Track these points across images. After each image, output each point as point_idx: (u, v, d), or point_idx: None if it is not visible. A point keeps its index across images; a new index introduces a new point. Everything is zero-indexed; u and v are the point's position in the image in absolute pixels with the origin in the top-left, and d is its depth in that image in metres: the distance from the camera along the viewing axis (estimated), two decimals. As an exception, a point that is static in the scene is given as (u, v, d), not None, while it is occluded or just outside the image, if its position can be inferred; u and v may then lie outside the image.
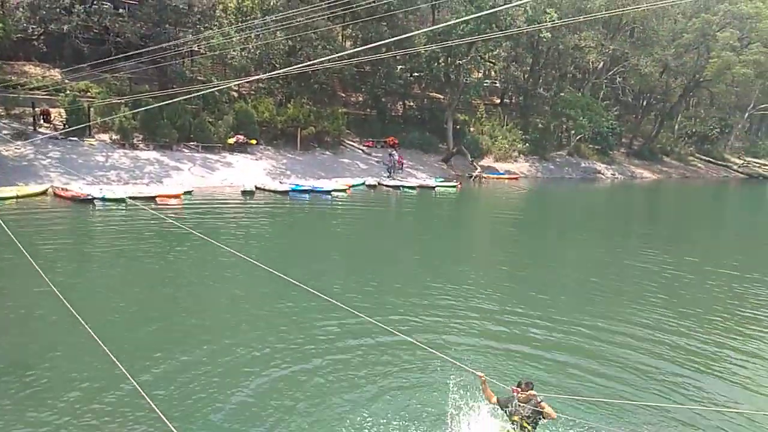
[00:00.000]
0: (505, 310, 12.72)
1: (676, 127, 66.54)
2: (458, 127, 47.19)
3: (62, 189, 23.73)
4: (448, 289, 13.99)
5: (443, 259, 17.68)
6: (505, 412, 7.07)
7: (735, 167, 66.50)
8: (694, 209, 37.89)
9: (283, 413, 8.06)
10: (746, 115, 68.31)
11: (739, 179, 62.74)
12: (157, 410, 5.27)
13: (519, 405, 6.88)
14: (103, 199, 23.02)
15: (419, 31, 39.01)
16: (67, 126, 29.37)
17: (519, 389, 6.89)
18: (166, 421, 5.06)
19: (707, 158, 65.45)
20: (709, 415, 8.54)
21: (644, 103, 63.43)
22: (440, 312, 12.33)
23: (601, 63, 53.67)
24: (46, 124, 29.87)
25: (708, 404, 8.95)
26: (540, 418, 6.87)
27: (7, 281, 12.82)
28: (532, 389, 6.89)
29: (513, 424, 6.96)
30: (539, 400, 6.83)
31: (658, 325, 12.27)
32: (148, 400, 5.69)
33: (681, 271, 17.53)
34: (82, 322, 6.35)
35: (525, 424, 6.86)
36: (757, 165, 68.37)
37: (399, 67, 44.16)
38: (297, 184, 30.47)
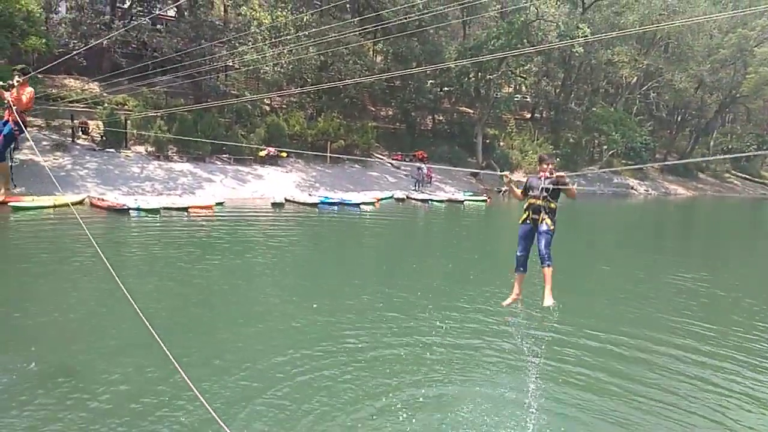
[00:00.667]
0: (530, 326, 12.58)
1: (712, 143, 65.30)
2: (488, 141, 47.08)
3: (99, 199, 24.35)
4: (476, 303, 13.91)
5: (471, 272, 17.60)
6: (529, 197, 7.41)
7: (772, 185, 64.94)
8: (731, 227, 36.97)
9: (325, 410, 8.23)
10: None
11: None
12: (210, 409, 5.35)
13: (541, 180, 7.23)
14: (138, 210, 23.57)
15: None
16: (104, 138, 30.23)
17: (542, 164, 7.32)
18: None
19: (743, 175, 63.98)
20: None
21: (679, 118, 62.47)
22: (466, 324, 12.28)
23: (635, 78, 53.08)
24: (84, 136, 30.75)
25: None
26: (559, 194, 7.25)
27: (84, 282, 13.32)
28: (552, 160, 7.41)
29: (534, 208, 7.31)
30: (562, 174, 7.23)
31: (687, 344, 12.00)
32: (197, 394, 5.76)
33: (715, 290, 17.10)
34: (147, 325, 6.47)
35: (546, 203, 7.18)
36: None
37: (429, 81, 44.36)
38: (326, 197, 30.73)
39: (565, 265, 20.95)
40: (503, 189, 41.47)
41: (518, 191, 7.60)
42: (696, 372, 10.61)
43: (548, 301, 7.12)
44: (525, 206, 7.42)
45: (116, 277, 6.97)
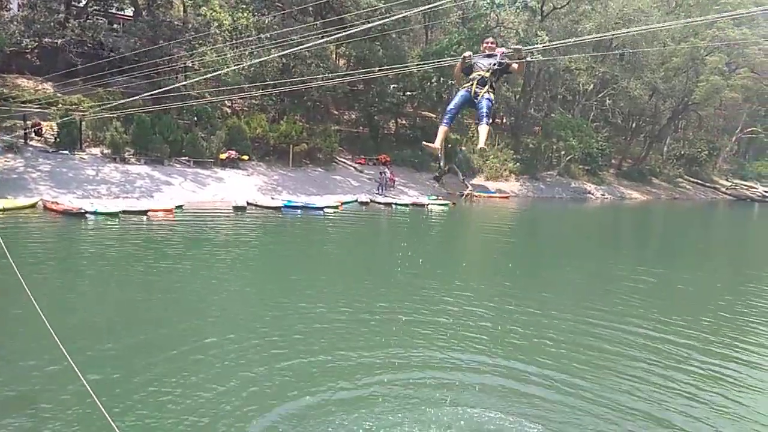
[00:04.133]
0: (496, 328, 12.71)
1: (665, 149, 67.38)
2: (450, 145, 47.50)
3: (53, 202, 23.58)
4: (439, 307, 13.96)
5: (435, 277, 17.67)
6: (472, 72, 7.35)
7: (723, 189, 67.29)
8: (685, 229, 38.16)
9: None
10: (734, 138, 69.32)
11: (727, 201, 63.39)
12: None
13: (483, 59, 7.23)
14: (96, 213, 22.89)
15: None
16: (58, 139, 29.33)
17: (486, 41, 7.39)
18: None
19: (696, 180, 66.19)
20: None
21: (633, 125, 64.25)
22: (428, 332, 12.30)
23: (591, 85, 54.38)
24: (37, 137, 29.77)
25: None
26: (503, 73, 7.33)
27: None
28: (495, 43, 7.43)
29: (481, 81, 7.23)
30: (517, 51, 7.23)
31: (648, 352, 12.30)
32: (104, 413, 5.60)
33: (671, 289, 17.62)
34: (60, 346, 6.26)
35: (489, 77, 7.16)
36: (745, 187, 69.21)
37: (392, 85, 44.53)
38: (289, 200, 30.48)
39: (526, 268, 21.33)
40: (465, 193, 41.92)
41: (459, 67, 7.53)
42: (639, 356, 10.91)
43: (436, 144, 7.53)
44: (472, 77, 7.36)
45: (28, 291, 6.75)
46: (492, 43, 7.46)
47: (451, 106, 7.58)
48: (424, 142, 7.93)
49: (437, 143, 7.60)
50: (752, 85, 56.30)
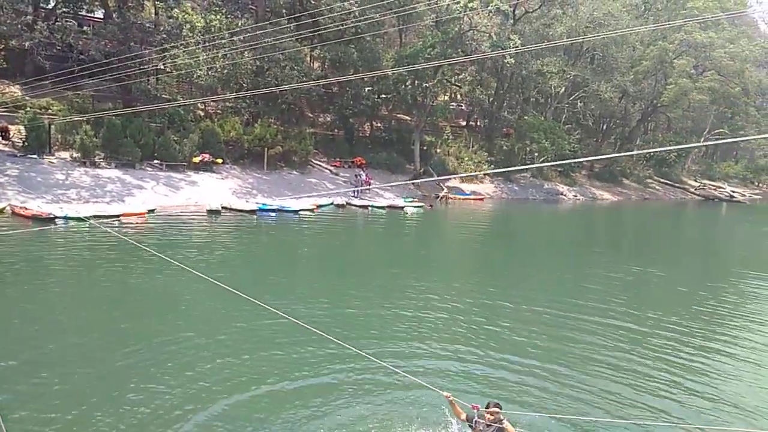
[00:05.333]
0: (470, 329, 12.84)
1: (635, 150, 68.55)
2: (425, 148, 47.79)
3: (21, 207, 23.09)
4: (416, 309, 14.05)
5: (412, 278, 17.75)
6: (471, 427, 7.22)
7: (692, 189, 68.71)
8: (655, 229, 38.92)
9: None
10: (702, 139, 70.80)
11: (696, 201, 64.76)
12: None
13: (483, 424, 7.06)
14: (66, 218, 22.46)
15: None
16: (26, 143, 28.74)
17: (485, 409, 7.10)
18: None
19: (665, 181, 67.45)
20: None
21: (604, 127, 65.33)
22: (405, 332, 12.37)
23: (563, 88, 55.13)
24: (4, 141, 29.15)
25: (668, 420, 9.19)
26: None
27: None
28: (499, 410, 7.07)
29: None
30: (501, 418, 7.01)
31: (622, 343, 12.54)
32: None
33: (645, 287, 17.97)
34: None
35: None
36: (713, 187, 70.78)
37: (367, 88, 44.59)
38: (264, 204, 30.29)
39: (500, 269, 21.55)
40: (440, 195, 42.14)
41: (461, 413, 7.38)
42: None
43: None
44: None
45: None
46: (495, 414, 7.07)
47: None
48: None
49: None
50: (719, 87, 57.61)
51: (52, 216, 22.32)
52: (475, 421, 7.13)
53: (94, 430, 7.76)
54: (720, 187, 71.29)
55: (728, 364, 11.70)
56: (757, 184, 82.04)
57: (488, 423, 7.02)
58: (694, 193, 67.95)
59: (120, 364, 9.79)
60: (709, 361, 11.80)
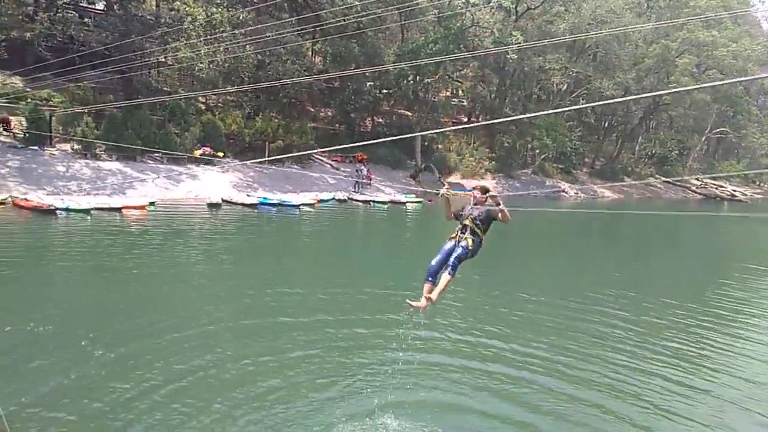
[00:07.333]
0: (468, 321, 12.84)
1: (637, 148, 68.54)
2: (426, 144, 47.64)
3: (22, 199, 23.03)
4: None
5: (414, 271, 17.74)
6: (458, 218, 7.24)
7: (693, 188, 68.60)
8: (657, 227, 38.84)
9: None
10: (704, 137, 70.73)
11: (697, 200, 64.69)
12: None
13: (473, 207, 7.11)
14: (67, 210, 22.44)
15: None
16: (27, 135, 28.66)
17: (476, 192, 7.21)
18: None
19: (666, 179, 67.38)
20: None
21: (606, 124, 65.21)
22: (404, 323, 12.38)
23: (565, 85, 55.04)
24: (5, 133, 29.06)
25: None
26: (491, 223, 7.09)
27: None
28: (488, 195, 7.16)
29: (462, 228, 7.11)
30: (499, 202, 7.00)
31: (619, 337, 12.55)
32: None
33: (644, 284, 17.94)
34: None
35: (475, 228, 7.02)
36: (714, 186, 70.65)
37: (368, 83, 44.45)
38: (265, 198, 30.24)
39: (502, 262, 21.52)
40: (442, 192, 42.00)
41: (451, 210, 7.40)
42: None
43: (422, 302, 6.98)
44: (459, 227, 7.23)
45: None
46: (479, 190, 7.22)
47: (434, 262, 7.16)
48: (408, 301, 7.19)
49: (423, 302, 7.04)
50: (721, 86, 57.55)
51: (53, 208, 22.28)
52: (464, 208, 7.15)
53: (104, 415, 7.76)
54: (721, 186, 71.15)
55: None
56: (758, 183, 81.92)
57: (477, 202, 7.08)
58: (696, 192, 67.84)
59: (125, 351, 9.80)
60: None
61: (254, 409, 8.25)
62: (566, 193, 53.05)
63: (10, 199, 23.24)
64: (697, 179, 71.47)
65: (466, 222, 7.06)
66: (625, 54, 55.28)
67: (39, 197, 23.63)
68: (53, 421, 7.58)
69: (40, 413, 7.71)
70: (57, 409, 7.83)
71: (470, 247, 6.97)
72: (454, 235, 7.18)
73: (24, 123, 29.05)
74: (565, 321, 13.34)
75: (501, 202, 6.97)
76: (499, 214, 6.89)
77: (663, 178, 66.51)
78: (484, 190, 7.25)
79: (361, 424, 8.05)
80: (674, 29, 55.45)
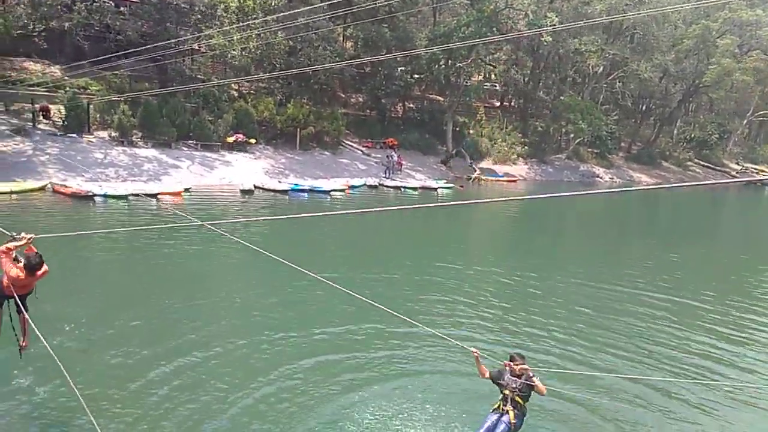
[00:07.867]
0: (502, 300, 12.81)
1: (675, 131, 66.72)
2: (458, 129, 47.23)
3: (62, 186, 23.67)
4: (450, 281, 14.23)
5: (447, 256, 17.73)
6: (497, 385, 7.19)
7: (733, 173, 66.60)
8: (695, 213, 37.94)
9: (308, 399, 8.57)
10: (745, 121, 68.42)
11: (736, 185, 62.82)
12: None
13: (511, 379, 7.02)
14: (105, 196, 23.02)
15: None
16: (66, 123, 29.36)
17: (511, 363, 7.04)
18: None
19: (705, 163, 65.50)
20: (690, 386, 9.47)
21: (643, 107, 63.54)
22: (441, 302, 12.58)
23: (601, 67, 53.67)
24: (45, 121, 29.82)
25: (687, 376, 9.34)
26: (530, 392, 7.01)
27: None
28: (524, 362, 7.04)
29: (504, 398, 7.08)
30: (531, 374, 6.97)
31: (646, 307, 12.47)
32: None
33: (677, 265, 17.61)
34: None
35: (516, 398, 6.99)
36: (755, 171, 68.48)
37: (399, 68, 44.18)
38: (296, 184, 30.47)
39: (534, 247, 21.33)
40: (472, 177, 41.72)
41: (485, 371, 7.27)
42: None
43: None
44: (501, 396, 7.16)
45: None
46: (518, 363, 7.02)
47: None
48: None
49: None
50: (764, 67, 55.36)
51: (90, 194, 22.85)
52: (503, 376, 7.11)
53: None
54: (763, 171, 68.92)
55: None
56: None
57: (517, 374, 6.98)
58: (736, 177, 65.83)
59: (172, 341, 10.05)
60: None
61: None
62: (600, 178, 52.12)
63: (50, 186, 23.92)
64: (737, 163, 69.48)
65: (506, 392, 7.03)
66: (663, 35, 53.56)
67: (78, 184, 24.25)
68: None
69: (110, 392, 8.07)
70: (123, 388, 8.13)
71: (512, 421, 6.93)
72: (496, 405, 7.16)
73: (63, 111, 29.77)
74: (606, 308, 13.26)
75: (536, 380, 6.93)
76: (535, 390, 6.93)
77: (702, 163, 64.80)
78: (521, 358, 7.13)
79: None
80: (715, 9, 53.53)
